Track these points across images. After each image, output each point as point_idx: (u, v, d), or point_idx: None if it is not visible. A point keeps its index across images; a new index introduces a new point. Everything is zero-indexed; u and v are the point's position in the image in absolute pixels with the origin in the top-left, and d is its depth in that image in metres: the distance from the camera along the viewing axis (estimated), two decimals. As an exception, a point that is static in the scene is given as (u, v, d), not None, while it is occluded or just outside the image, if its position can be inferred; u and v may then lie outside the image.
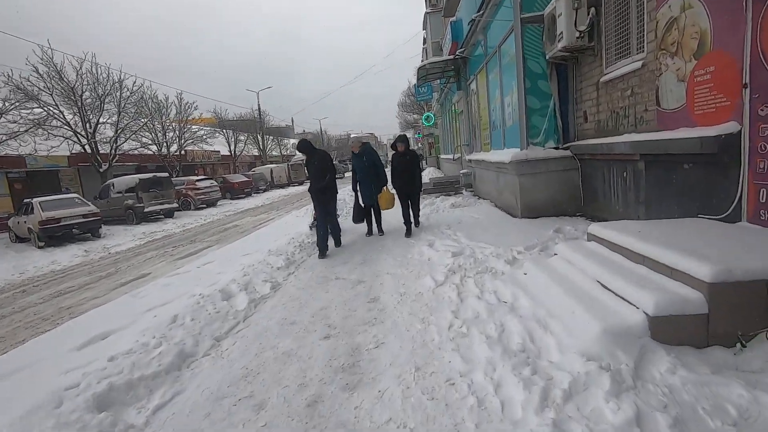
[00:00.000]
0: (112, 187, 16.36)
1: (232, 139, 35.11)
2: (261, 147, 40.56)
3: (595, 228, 3.78)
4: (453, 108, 16.43)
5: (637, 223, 3.70)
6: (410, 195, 7.09)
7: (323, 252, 6.39)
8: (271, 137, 44.03)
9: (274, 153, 45.91)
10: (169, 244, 10.80)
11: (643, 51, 4.58)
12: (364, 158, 6.89)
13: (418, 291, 4.22)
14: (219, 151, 34.37)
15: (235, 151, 35.29)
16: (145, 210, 15.57)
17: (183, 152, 26.72)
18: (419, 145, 64.25)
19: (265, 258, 6.25)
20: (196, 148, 28.93)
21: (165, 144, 25.56)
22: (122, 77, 19.75)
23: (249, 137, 38.03)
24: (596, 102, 5.83)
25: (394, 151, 7.23)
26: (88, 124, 19.00)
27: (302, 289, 4.88)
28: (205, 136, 27.07)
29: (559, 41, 5.67)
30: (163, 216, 16.69)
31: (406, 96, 58.06)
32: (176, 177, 25.57)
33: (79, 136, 18.55)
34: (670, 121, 4.12)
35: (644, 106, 4.64)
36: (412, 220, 7.12)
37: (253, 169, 32.86)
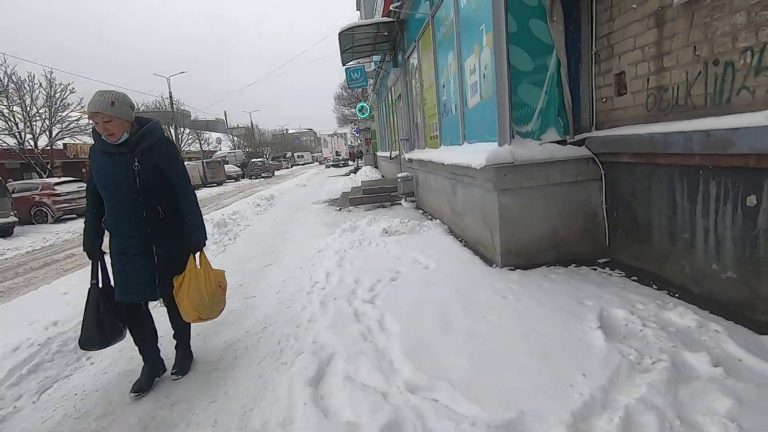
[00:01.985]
0: None
1: (134, 132, 29.45)
2: (174, 141, 35.03)
3: None
4: (389, 94, 13.39)
5: None
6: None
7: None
8: (188, 130, 38.39)
9: (192, 148, 40.24)
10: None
11: None
12: (137, 158, 2.42)
13: None
14: (116, 146, 28.67)
15: (137, 146, 29.69)
16: (-43, 228, 10.84)
17: (54, 146, 21.21)
18: (358, 142, 61.23)
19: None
20: (78, 142, 23.37)
21: (32, 136, 20.04)
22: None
23: (156, 129, 32.36)
24: (656, 49, 2.94)
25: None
26: None
27: None
28: (88, 127, 21.64)
29: None
30: (-5, 234, 11.95)
31: (343, 88, 54.63)
32: (45, 177, 20.20)
33: None
34: None
35: None
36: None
37: (157, 168, 27.69)
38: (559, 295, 2.95)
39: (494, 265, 3.91)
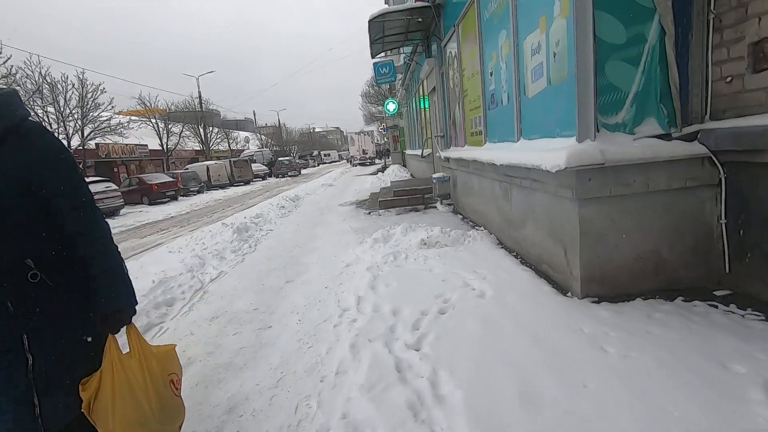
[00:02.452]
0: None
1: (164, 131, 29.75)
2: (203, 140, 35.33)
3: None
4: (420, 88, 12.55)
5: None
6: None
7: None
8: (216, 129, 38.68)
9: (221, 147, 40.58)
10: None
11: None
12: None
13: None
14: (147, 146, 29.03)
15: (166, 145, 29.97)
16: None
17: (86, 146, 21.50)
18: (385, 139, 60.56)
19: None
20: (109, 141, 23.66)
21: (65, 136, 20.33)
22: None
23: (185, 128, 32.62)
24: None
25: None
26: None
27: None
28: (118, 127, 21.85)
29: None
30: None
31: (370, 86, 53.94)
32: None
33: None
34: None
35: None
36: None
37: (186, 166, 27.84)
38: (685, 351, 2.09)
39: (569, 294, 3.07)
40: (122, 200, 15.61)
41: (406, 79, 16.80)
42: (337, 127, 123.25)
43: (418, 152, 14.70)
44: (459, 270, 3.84)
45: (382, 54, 15.38)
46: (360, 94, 57.96)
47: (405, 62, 15.19)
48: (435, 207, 8.19)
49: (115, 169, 27.04)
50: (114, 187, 15.50)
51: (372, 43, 9.48)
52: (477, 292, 3.26)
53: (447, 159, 7.98)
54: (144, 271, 5.30)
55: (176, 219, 13.50)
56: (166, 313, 3.80)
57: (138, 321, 3.50)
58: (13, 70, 15.64)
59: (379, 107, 54.73)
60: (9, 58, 15.19)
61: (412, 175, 17.03)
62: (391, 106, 18.82)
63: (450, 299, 3.18)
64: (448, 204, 8.10)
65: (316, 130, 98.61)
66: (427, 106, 11.85)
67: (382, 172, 21.17)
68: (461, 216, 7.18)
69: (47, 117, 19.55)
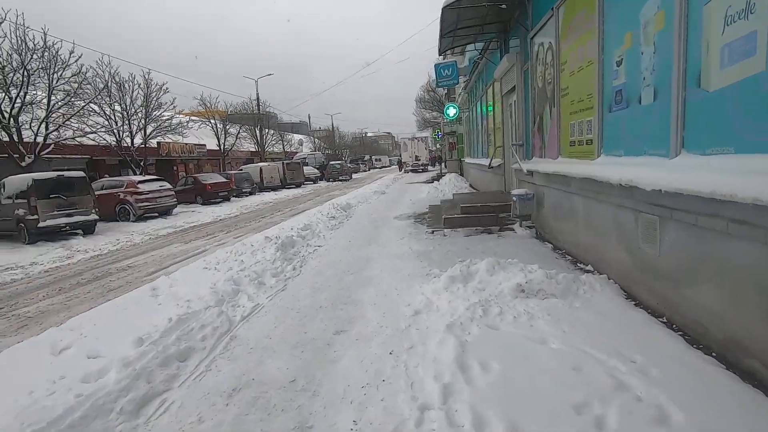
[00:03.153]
0: (1, 190, 11.63)
1: (222, 132, 30.27)
2: (258, 141, 35.79)
3: None
4: (491, 90, 11.18)
5: None
6: None
7: None
8: (271, 131, 39.17)
9: (275, 149, 41.09)
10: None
11: None
12: None
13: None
14: (205, 146, 29.66)
15: (223, 146, 30.46)
16: (41, 224, 10.77)
17: (148, 144, 22.02)
18: (437, 146, 59.09)
19: None
20: (169, 140, 24.20)
21: (129, 133, 20.92)
22: (54, 44, 15.02)
23: (242, 129, 33.11)
24: None
25: None
26: (7, 102, 14.41)
27: None
28: (178, 126, 22.23)
29: None
30: (80, 231, 11.90)
31: (425, 91, 52.72)
32: (139, 174, 20.96)
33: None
34: None
35: None
36: None
37: (240, 167, 28.07)
38: None
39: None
40: (175, 199, 15.51)
41: (471, 81, 15.46)
42: (389, 133, 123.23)
43: (482, 161, 13.28)
44: (591, 348, 2.54)
45: (448, 52, 14.20)
46: (415, 99, 57.10)
47: (471, 62, 13.86)
48: (512, 229, 6.84)
49: (174, 168, 27.79)
50: (168, 186, 15.44)
51: (442, 36, 8.30)
52: (649, 409, 1.95)
53: (530, 173, 6.60)
54: (169, 294, 4.43)
55: (225, 222, 13.02)
56: (176, 375, 2.82)
57: (133, 390, 2.52)
58: (84, 69, 16.08)
59: (433, 113, 53.53)
60: (80, 57, 15.59)
61: (471, 185, 15.60)
62: (452, 111, 17.51)
63: (605, 420, 1.89)
64: (528, 226, 6.71)
65: (368, 134, 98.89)
66: (493, 110, 10.45)
67: (438, 181, 19.88)
68: (551, 245, 5.78)
69: (114, 115, 20.16)
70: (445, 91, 40.46)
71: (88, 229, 12.12)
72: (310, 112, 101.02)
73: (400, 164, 39.78)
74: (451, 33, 8.39)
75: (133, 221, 14.22)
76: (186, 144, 27.22)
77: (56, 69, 15.28)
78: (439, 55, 15.43)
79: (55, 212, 11.22)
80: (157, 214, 15.48)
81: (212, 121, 29.88)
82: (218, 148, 30.63)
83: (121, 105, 20.23)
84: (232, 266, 5.45)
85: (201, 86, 78.58)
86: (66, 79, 15.41)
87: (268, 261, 5.61)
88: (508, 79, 8.63)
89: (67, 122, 15.89)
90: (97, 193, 14.74)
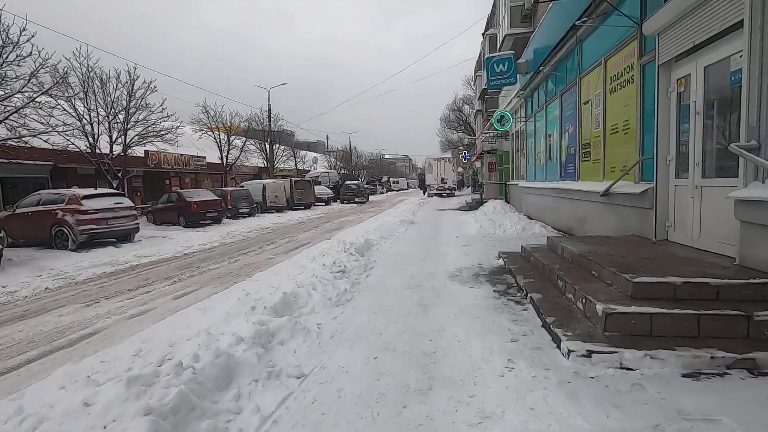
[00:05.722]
0: None
1: (225, 143, 26.77)
2: (267, 156, 32.27)
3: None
4: (594, 78, 7.03)
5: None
6: None
7: None
8: (282, 146, 35.73)
9: (286, 166, 37.58)
10: None
11: None
12: None
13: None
14: (205, 158, 26.18)
15: (226, 159, 26.89)
16: None
17: (131, 152, 18.51)
18: (459, 169, 54.82)
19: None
20: (155, 149, 20.66)
21: (109, 138, 17.46)
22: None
23: (249, 142, 29.61)
24: None
25: None
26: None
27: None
28: (166, 132, 18.61)
29: None
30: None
31: (451, 110, 49.24)
32: (115, 187, 17.33)
33: None
34: None
35: None
36: None
37: (241, 184, 24.37)
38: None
39: None
40: (137, 221, 11.68)
41: (537, 79, 11.40)
42: (406, 155, 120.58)
43: (546, 185, 9.11)
44: None
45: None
46: (439, 119, 53.58)
47: (536, 55, 9.83)
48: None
49: (167, 182, 24.28)
50: (128, 203, 11.60)
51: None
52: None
53: None
54: None
55: (186, 261, 8.96)
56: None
57: None
58: (45, 55, 12.59)
59: (459, 134, 49.84)
60: (33, 36, 12.07)
61: (530, 217, 11.35)
62: (504, 120, 13.44)
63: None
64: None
65: (386, 156, 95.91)
66: (603, 106, 6.15)
67: (478, 209, 15.69)
68: None
69: (89, 115, 16.73)
70: (472, 114, 36.48)
71: (-12, 263, 8.27)
72: (328, 133, 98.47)
73: (424, 187, 35.59)
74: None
75: (73, 249, 10.33)
76: (182, 155, 23.74)
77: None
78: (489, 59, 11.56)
79: None
80: (114, 240, 11.64)
81: (214, 131, 26.40)
82: (220, 161, 27.08)
83: (97, 102, 16.84)
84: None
85: (206, 92, 75.83)
86: (9, 63, 11.92)
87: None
88: (690, 26, 4.48)
89: (8, 119, 12.30)
90: (30, 209, 11.01)
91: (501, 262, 6.17)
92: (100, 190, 11.44)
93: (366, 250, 7.53)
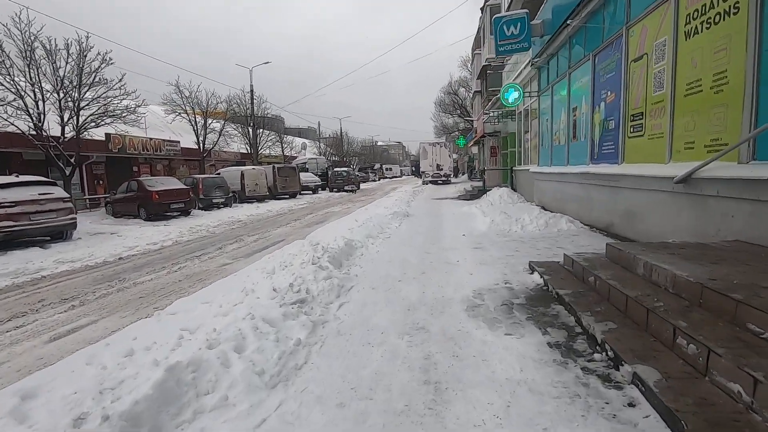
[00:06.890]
0: None
1: (202, 127, 24.41)
2: (251, 141, 29.93)
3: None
4: (650, 27, 5.09)
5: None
6: None
7: None
8: (266, 131, 33.34)
9: (272, 152, 35.24)
10: None
11: None
12: None
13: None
14: (178, 142, 23.86)
15: (203, 144, 24.57)
16: None
17: (88, 135, 16.28)
18: (455, 155, 52.77)
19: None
20: (117, 132, 18.37)
21: (60, 119, 15.23)
22: None
23: (228, 124, 27.21)
24: None
25: None
26: None
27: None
28: (125, 114, 16.29)
29: None
30: None
31: (446, 93, 46.87)
32: (67, 175, 15.16)
33: None
34: None
35: None
36: None
37: (217, 171, 22.16)
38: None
39: None
40: (73, 215, 9.62)
41: (557, 42, 9.36)
42: (399, 142, 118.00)
43: (570, 169, 7.22)
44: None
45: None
46: (434, 102, 51.24)
47: (555, 13, 7.80)
48: None
49: (135, 169, 21.99)
50: (60, 194, 9.50)
51: None
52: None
53: None
54: None
55: (116, 269, 6.93)
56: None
57: None
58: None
59: (455, 118, 47.59)
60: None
61: (544, 208, 9.45)
62: (514, 95, 11.46)
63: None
64: None
65: (378, 143, 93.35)
66: (674, 60, 4.20)
67: (482, 198, 13.78)
68: None
69: (33, 91, 14.45)
70: (470, 96, 34.04)
71: None
72: (320, 120, 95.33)
73: (419, 174, 33.50)
74: None
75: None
76: (151, 139, 21.44)
77: None
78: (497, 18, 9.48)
79: None
80: (48, 238, 9.57)
81: (189, 114, 24.02)
82: (197, 147, 24.78)
83: (41, 76, 14.53)
84: None
85: (179, 69, 70.26)
86: None
87: None
88: None
89: None
90: (-68, 202, 8.85)
91: (537, 278, 4.26)
92: (22, 178, 9.27)
93: (346, 257, 5.57)
